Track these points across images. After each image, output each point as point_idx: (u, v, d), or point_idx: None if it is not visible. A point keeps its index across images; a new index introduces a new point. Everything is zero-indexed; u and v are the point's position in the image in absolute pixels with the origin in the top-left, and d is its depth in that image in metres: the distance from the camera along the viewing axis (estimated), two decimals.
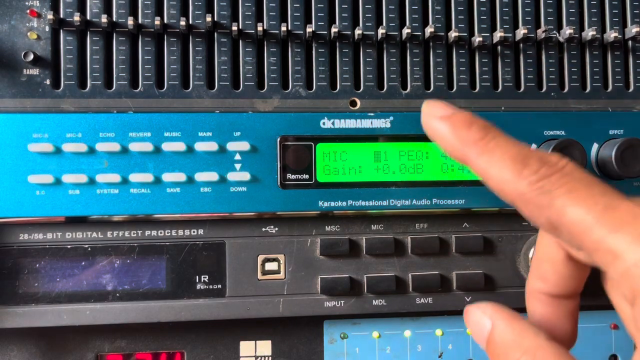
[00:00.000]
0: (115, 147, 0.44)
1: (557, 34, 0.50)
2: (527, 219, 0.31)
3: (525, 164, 0.31)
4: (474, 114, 0.34)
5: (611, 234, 0.28)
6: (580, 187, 0.29)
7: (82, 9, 0.46)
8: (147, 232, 0.46)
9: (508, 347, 0.32)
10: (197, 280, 0.46)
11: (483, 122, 0.33)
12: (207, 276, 0.46)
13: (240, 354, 0.49)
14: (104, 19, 0.45)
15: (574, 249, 0.34)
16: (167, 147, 0.44)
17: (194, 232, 0.46)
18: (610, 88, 0.50)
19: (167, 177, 0.44)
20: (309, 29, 0.47)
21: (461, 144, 0.33)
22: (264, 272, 0.47)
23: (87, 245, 0.45)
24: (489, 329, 0.33)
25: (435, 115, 0.34)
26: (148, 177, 0.44)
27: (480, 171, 0.33)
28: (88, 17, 0.46)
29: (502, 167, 0.31)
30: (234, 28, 0.46)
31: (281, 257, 0.47)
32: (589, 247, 0.29)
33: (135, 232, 0.46)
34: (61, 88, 0.46)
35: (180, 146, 0.44)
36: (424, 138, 0.47)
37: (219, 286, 0.46)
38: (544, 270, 0.35)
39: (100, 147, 0.44)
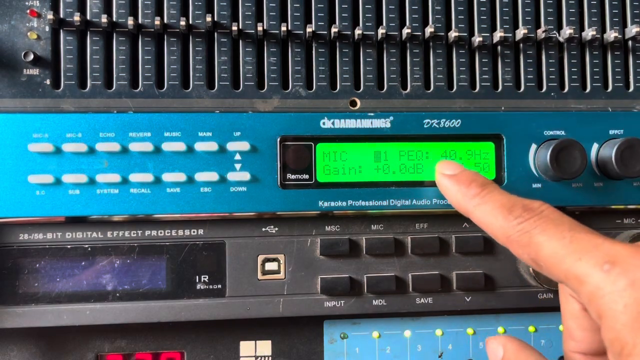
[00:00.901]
0: (115, 147, 0.44)
1: (557, 34, 0.50)
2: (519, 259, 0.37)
3: (511, 210, 0.37)
4: (476, 173, 0.42)
5: (576, 262, 0.32)
6: (552, 225, 0.35)
7: (82, 9, 0.46)
8: (147, 232, 0.46)
9: None
10: (197, 280, 0.46)
11: (482, 180, 0.41)
12: (207, 276, 0.46)
13: (240, 354, 0.49)
14: (104, 19, 0.45)
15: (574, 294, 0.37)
16: (167, 147, 0.44)
17: (194, 232, 0.46)
18: (610, 88, 0.50)
19: (167, 177, 0.44)
20: (309, 29, 0.47)
21: (463, 198, 0.40)
22: (264, 272, 0.47)
23: (87, 245, 0.45)
24: (501, 355, 0.39)
25: (444, 173, 0.43)
26: (148, 177, 0.44)
27: (478, 220, 0.40)
28: (88, 17, 0.46)
29: (494, 214, 0.38)
30: (234, 28, 0.46)
31: (281, 257, 0.47)
32: (561, 276, 0.33)
33: (135, 232, 0.46)
34: (61, 88, 0.46)
35: (180, 146, 0.44)
36: (424, 138, 0.47)
37: (219, 286, 0.46)
38: (570, 328, 0.39)
39: (100, 147, 0.44)
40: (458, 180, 0.41)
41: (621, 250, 0.31)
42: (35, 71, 0.45)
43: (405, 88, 0.49)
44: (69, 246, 0.45)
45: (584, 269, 0.31)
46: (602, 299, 0.30)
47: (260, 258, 0.47)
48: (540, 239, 0.34)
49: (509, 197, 0.39)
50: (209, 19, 0.46)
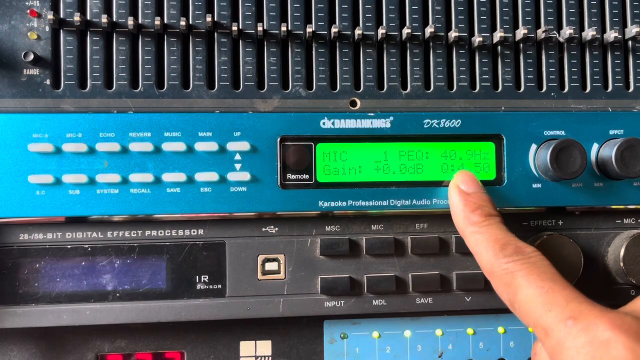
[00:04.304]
0: (115, 147, 0.44)
1: (557, 34, 0.50)
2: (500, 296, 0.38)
3: (503, 248, 0.38)
4: (488, 199, 0.42)
5: (546, 313, 0.33)
6: (535, 272, 0.36)
7: (82, 9, 0.46)
8: (147, 232, 0.46)
9: None
10: (197, 280, 0.46)
11: (489, 210, 0.41)
12: (207, 276, 0.46)
13: (240, 354, 0.49)
14: (104, 19, 0.45)
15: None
16: (167, 147, 0.44)
17: (194, 232, 0.46)
18: (610, 88, 0.50)
19: (167, 177, 0.44)
20: (309, 29, 0.47)
21: (463, 220, 0.42)
22: (264, 272, 0.47)
23: (87, 245, 0.45)
24: None
25: (459, 186, 0.44)
26: (148, 177, 0.44)
27: (469, 246, 0.41)
28: (88, 17, 0.46)
29: (485, 247, 0.39)
30: (234, 28, 0.46)
31: (281, 257, 0.47)
32: (531, 324, 0.34)
33: (135, 232, 0.46)
34: (61, 88, 0.46)
35: (180, 146, 0.44)
36: (424, 138, 0.47)
37: (219, 286, 0.46)
38: None
39: (100, 147, 0.44)
40: (466, 201, 0.42)
41: (587, 309, 0.32)
42: (35, 71, 0.45)
43: (405, 88, 0.49)
44: (69, 246, 0.45)
45: (550, 321, 0.33)
46: (561, 353, 0.31)
47: (260, 258, 0.47)
48: (521, 282, 0.36)
49: (506, 234, 0.40)
50: (209, 19, 0.46)
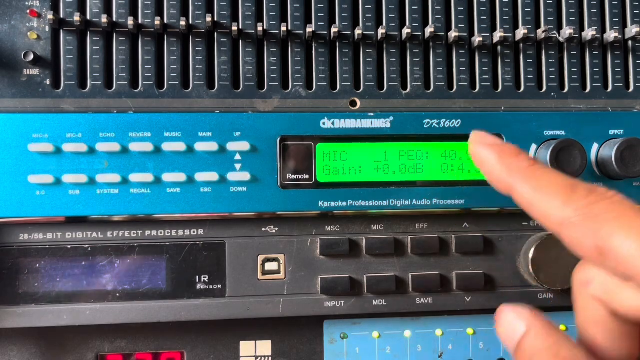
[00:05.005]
0: (115, 147, 0.44)
1: (557, 34, 0.50)
2: (571, 248, 0.30)
3: (573, 190, 0.30)
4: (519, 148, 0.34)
5: None
6: (630, 215, 0.29)
7: (82, 9, 0.46)
8: (147, 232, 0.46)
9: (539, 354, 0.29)
10: (197, 280, 0.46)
11: (529, 155, 0.36)
12: (207, 276, 0.46)
13: (240, 354, 0.49)
14: (104, 19, 0.45)
15: (615, 296, 0.31)
16: (167, 147, 0.44)
17: (194, 232, 0.46)
18: (610, 88, 0.50)
19: (167, 177, 0.44)
20: (309, 29, 0.47)
21: (507, 171, 0.33)
22: (264, 272, 0.47)
23: (87, 245, 0.45)
24: (521, 332, 0.31)
25: (483, 143, 0.34)
26: (148, 177, 0.44)
27: (523, 198, 0.32)
28: (88, 17, 0.46)
29: (548, 194, 0.31)
30: (234, 28, 0.46)
31: (281, 257, 0.47)
32: (636, 275, 0.27)
33: (135, 232, 0.46)
34: (61, 88, 0.46)
35: (180, 146, 0.44)
36: (424, 138, 0.47)
37: (219, 286, 0.46)
38: (593, 338, 0.32)
39: (100, 147, 0.44)
40: (502, 150, 0.34)
41: None
42: (35, 71, 0.45)
43: (405, 88, 0.49)
44: (69, 246, 0.45)
45: None
46: None
47: (260, 258, 0.47)
48: (614, 228, 0.28)
49: (565, 175, 0.32)
50: (209, 19, 0.46)
